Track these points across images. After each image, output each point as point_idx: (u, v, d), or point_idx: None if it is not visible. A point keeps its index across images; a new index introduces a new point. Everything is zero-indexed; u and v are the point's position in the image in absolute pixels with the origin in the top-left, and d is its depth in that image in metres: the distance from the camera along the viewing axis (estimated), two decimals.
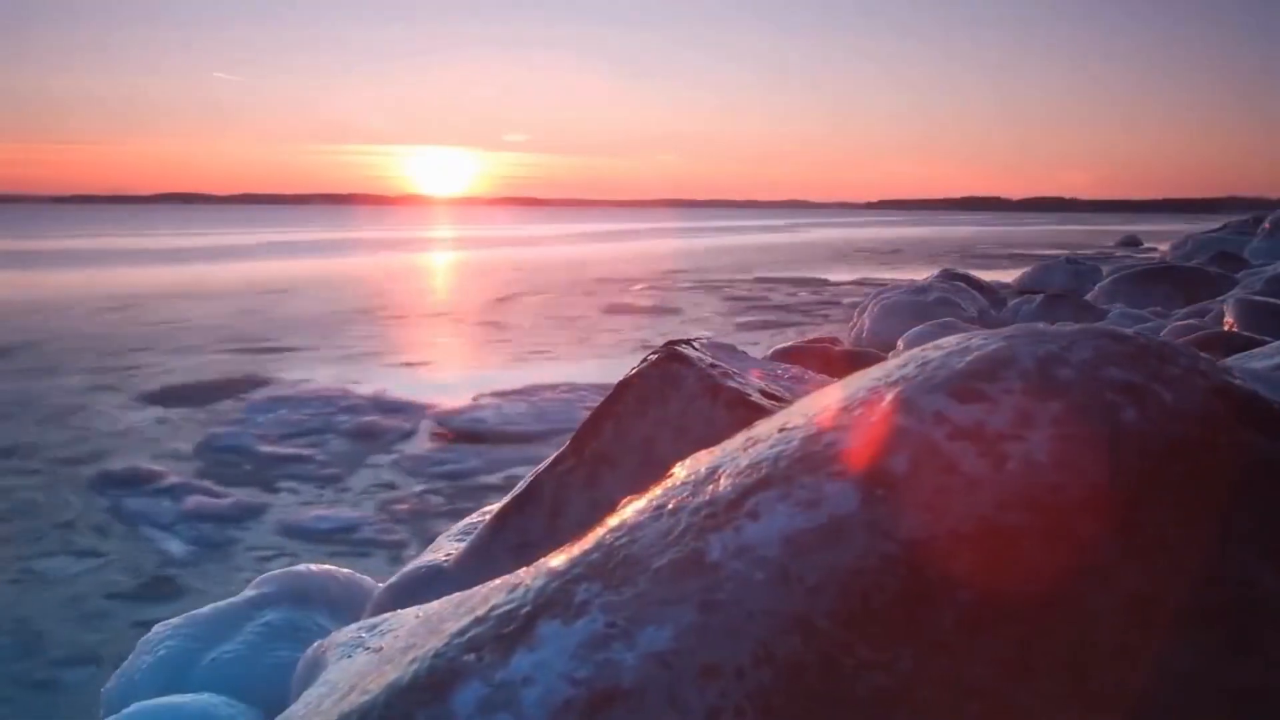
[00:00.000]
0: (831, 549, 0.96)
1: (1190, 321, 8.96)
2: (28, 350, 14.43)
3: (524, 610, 0.99)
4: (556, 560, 1.09)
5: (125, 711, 3.06)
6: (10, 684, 4.82)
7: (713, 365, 2.36)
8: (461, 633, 1.00)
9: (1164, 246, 32.59)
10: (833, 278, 26.17)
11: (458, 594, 1.84)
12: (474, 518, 2.80)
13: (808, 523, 0.98)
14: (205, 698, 3.31)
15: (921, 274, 16.89)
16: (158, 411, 10.18)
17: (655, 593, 0.96)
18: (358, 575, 4.14)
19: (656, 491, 1.16)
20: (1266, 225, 22.67)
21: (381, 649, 1.73)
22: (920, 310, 12.00)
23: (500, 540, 2.37)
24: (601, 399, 2.45)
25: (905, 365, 1.22)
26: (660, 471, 2.25)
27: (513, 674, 0.92)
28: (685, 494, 1.10)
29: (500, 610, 1.01)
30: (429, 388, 10.82)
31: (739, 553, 0.97)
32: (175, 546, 6.58)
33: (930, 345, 1.30)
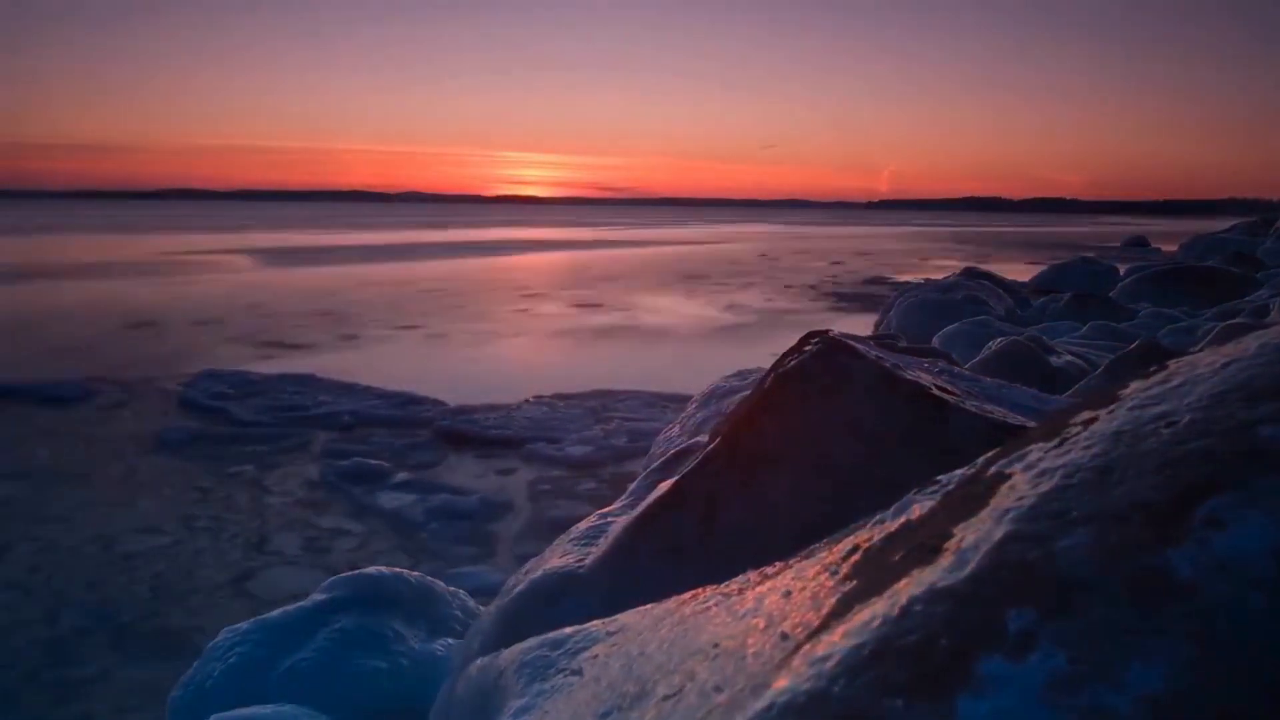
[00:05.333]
0: None
1: (1240, 320, 8.80)
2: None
3: (942, 643, 0.80)
4: (933, 577, 0.90)
5: None
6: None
7: (879, 357, 2.16)
8: (861, 670, 0.81)
9: (1171, 247, 32.42)
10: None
11: (652, 606, 1.64)
12: (593, 520, 2.61)
13: None
14: (288, 710, 3.10)
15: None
16: None
17: (1118, 619, 0.77)
18: (429, 578, 3.94)
19: (1021, 489, 0.97)
20: (1279, 226, 22.59)
21: (581, 671, 1.54)
22: (948, 308, 11.82)
23: (645, 544, 2.18)
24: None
25: (1262, 350, 1.03)
26: (836, 470, 2.06)
27: None
28: (1082, 496, 0.91)
29: (902, 642, 0.82)
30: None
31: (1218, 570, 0.78)
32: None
33: (1277, 329, 1.12)
